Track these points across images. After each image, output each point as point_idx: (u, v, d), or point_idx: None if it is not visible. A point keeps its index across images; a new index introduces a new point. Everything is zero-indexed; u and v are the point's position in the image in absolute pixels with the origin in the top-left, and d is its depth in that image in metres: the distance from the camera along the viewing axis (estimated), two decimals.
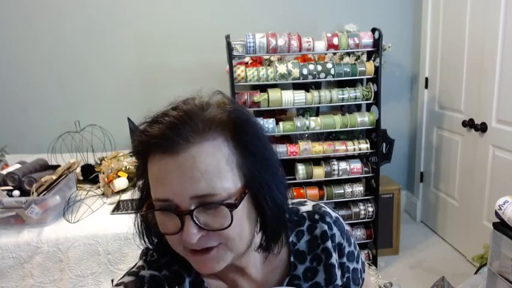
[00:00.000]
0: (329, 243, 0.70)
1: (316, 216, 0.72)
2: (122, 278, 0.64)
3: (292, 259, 0.69)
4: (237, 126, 0.56)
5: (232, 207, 0.53)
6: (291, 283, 0.68)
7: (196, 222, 0.52)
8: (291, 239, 0.70)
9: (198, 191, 0.51)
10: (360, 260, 0.77)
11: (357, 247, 0.77)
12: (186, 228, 0.52)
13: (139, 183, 0.60)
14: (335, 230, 0.71)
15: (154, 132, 0.53)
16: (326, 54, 2.40)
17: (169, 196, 0.52)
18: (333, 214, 0.74)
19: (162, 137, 0.52)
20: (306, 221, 0.71)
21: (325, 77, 2.14)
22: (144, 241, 0.64)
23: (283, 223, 0.62)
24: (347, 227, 0.76)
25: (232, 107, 0.58)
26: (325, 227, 0.70)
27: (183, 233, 0.53)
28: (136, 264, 0.66)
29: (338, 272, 0.71)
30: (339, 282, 0.70)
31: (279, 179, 0.60)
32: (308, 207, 0.74)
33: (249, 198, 0.57)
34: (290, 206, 0.73)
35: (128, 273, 0.64)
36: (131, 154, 2.05)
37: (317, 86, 2.38)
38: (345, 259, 0.72)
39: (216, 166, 0.52)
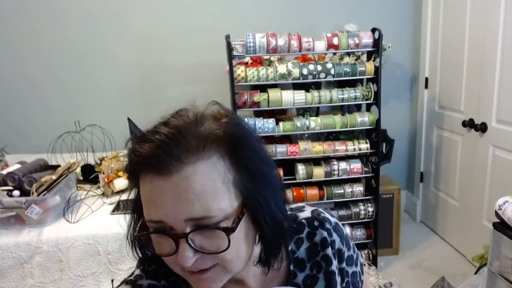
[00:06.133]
0: (329, 250, 0.68)
1: (316, 223, 0.70)
2: (118, 286, 0.62)
3: (291, 268, 0.67)
4: (234, 142, 0.52)
5: (229, 231, 0.50)
6: None
7: (192, 245, 0.50)
8: (290, 247, 0.68)
9: (192, 213, 0.49)
10: (359, 262, 0.76)
11: (356, 250, 0.76)
12: (181, 251, 0.50)
13: (132, 196, 0.58)
14: (335, 236, 0.70)
15: (145, 152, 0.49)
16: (326, 54, 2.40)
17: (162, 218, 0.50)
18: (332, 220, 0.72)
19: (153, 157, 0.49)
20: (305, 228, 0.69)
21: (325, 77, 2.14)
22: (137, 253, 0.62)
23: (282, 239, 0.59)
24: (346, 230, 0.75)
25: (228, 121, 0.54)
26: (325, 234, 0.69)
27: (177, 255, 0.50)
28: (133, 273, 0.64)
29: (338, 279, 0.69)
30: None
31: (277, 194, 0.57)
32: (307, 213, 0.72)
33: (247, 216, 0.54)
34: (288, 213, 0.71)
35: (126, 282, 0.62)
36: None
37: (317, 86, 2.38)
38: (344, 264, 0.71)
39: (211, 186, 0.49)
